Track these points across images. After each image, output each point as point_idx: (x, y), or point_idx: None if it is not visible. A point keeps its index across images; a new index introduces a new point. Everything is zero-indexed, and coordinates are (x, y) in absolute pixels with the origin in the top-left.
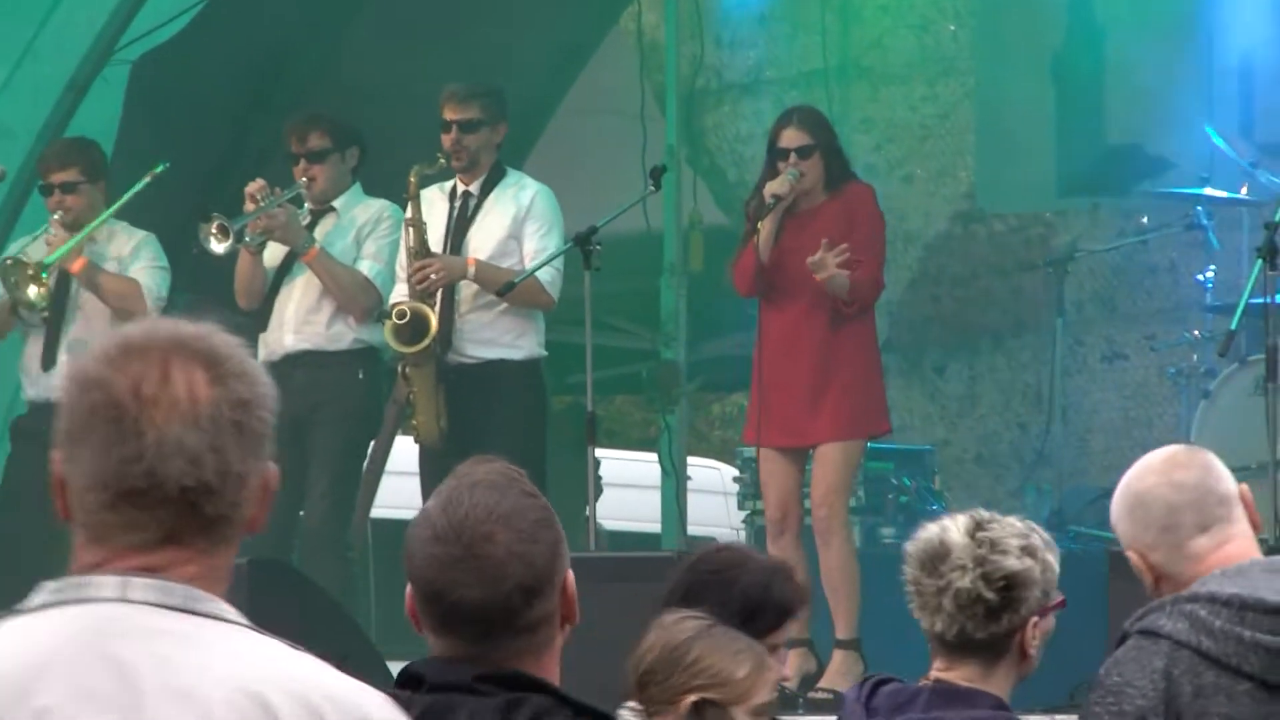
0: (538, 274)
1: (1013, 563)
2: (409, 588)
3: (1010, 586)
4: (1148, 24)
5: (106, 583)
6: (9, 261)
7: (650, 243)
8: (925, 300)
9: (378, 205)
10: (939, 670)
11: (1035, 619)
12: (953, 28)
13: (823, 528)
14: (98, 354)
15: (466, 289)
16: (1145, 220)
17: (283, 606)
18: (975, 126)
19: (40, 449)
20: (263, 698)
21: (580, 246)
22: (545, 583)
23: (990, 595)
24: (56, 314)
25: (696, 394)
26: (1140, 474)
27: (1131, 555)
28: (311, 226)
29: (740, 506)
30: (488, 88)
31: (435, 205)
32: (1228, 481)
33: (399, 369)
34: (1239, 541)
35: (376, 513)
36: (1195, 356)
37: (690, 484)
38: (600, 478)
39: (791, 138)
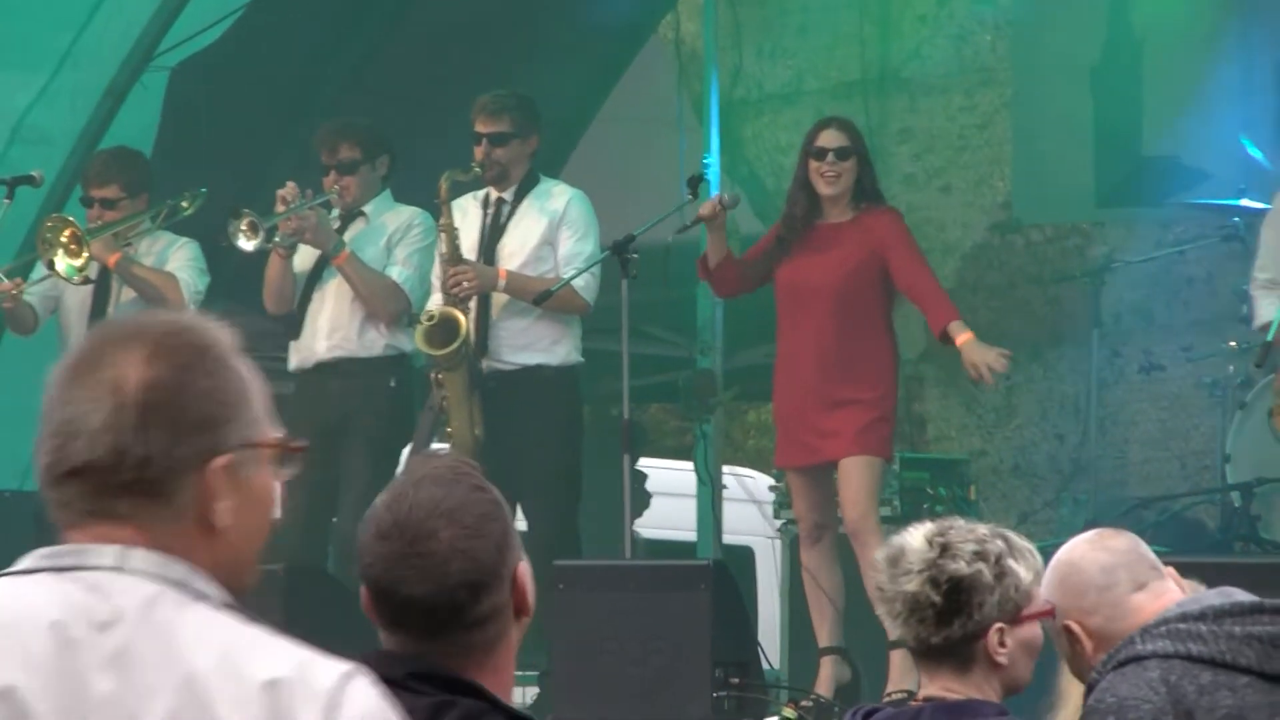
0: (575, 284)
1: (960, 566)
2: (363, 586)
3: (957, 591)
4: (1185, 36)
5: (105, 551)
6: (55, 219)
7: (687, 251)
8: (962, 310)
9: (408, 212)
10: (925, 688)
11: (1000, 625)
12: (990, 38)
13: (856, 529)
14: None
15: (501, 294)
16: (1180, 231)
17: (317, 612)
18: (1012, 137)
19: None
20: (256, 680)
21: (617, 254)
22: (492, 577)
23: (937, 599)
24: (96, 324)
25: (732, 403)
26: (1069, 547)
27: (1070, 626)
28: (341, 231)
29: (776, 515)
30: (519, 100)
31: (469, 213)
32: (1154, 556)
33: (432, 376)
34: (1175, 596)
35: None
36: (1231, 367)
37: (725, 492)
38: (649, 492)
39: (831, 138)
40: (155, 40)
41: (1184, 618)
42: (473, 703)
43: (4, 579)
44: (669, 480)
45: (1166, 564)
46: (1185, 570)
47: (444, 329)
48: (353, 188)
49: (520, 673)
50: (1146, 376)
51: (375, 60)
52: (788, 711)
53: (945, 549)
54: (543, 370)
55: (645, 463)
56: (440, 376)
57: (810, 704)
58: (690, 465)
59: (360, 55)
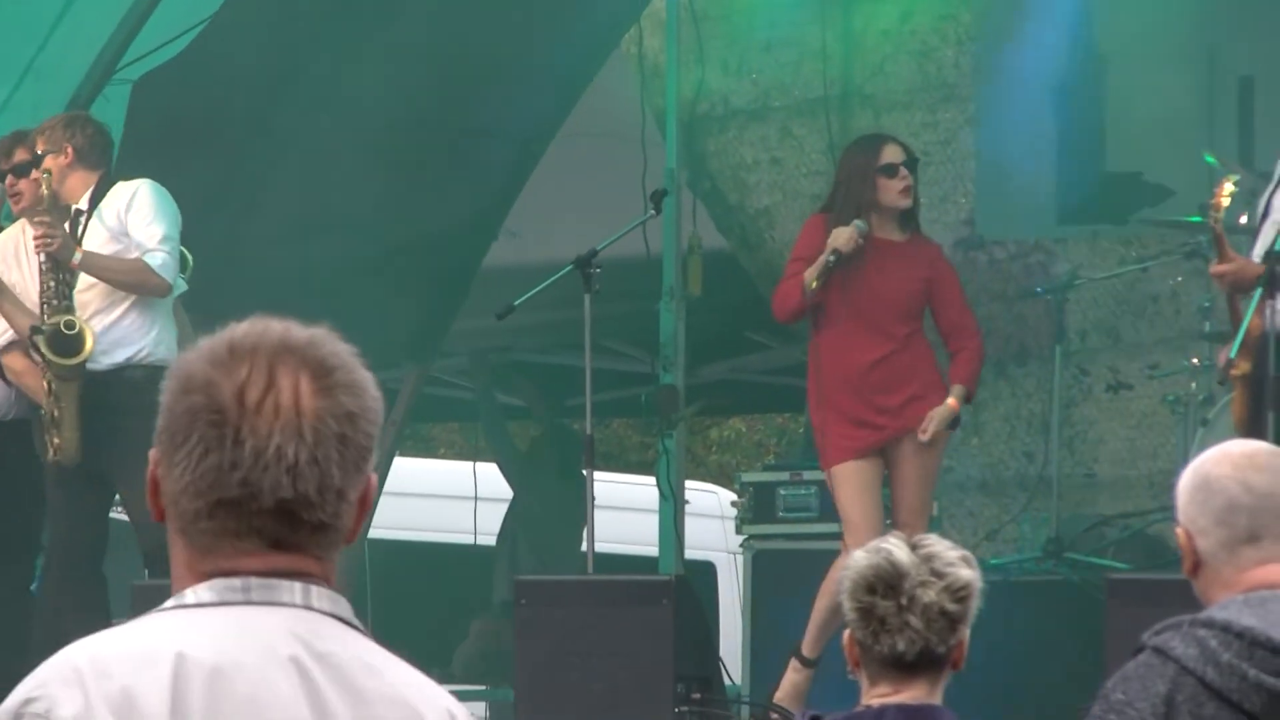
0: (146, 258)
1: (966, 573)
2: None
3: (967, 597)
4: (1149, 53)
5: (294, 588)
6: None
7: (650, 266)
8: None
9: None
10: (883, 695)
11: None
12: (953, 54)
13: (913, 525)
14: (204, 353)
15: (86, 295)
16: (1143, 248)
17: None
18: (975, 153)
19: None
20: (451, 711)
21: (580, 269)
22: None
23: (953, 607)
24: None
25: (694, 418)
26: (1218, 459)
27: (1180, 532)
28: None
29: (738, 531)
30: (47, 124)
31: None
32: None
33: (46, 384)
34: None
35: (374, 534)
36: (1194, 384)
37: (687, 508)
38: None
39: (895, 153)
40: (118, 53)
41: (1227, 628)
42: None
43: (205, 612)
44: (626, 495)
45: (1127, 581)
46: (1147, 588)
47: (72, 339)
48: (27, 193)
49: (468, 687)
50: (1114, 395)
51: (336, 80)
52: None
53: (941, 559)
54: (130, 370)
55: (602, 477)
56: (54, 386)
57: (776, 718)
58: (648, 479)
59: (324, 70)
